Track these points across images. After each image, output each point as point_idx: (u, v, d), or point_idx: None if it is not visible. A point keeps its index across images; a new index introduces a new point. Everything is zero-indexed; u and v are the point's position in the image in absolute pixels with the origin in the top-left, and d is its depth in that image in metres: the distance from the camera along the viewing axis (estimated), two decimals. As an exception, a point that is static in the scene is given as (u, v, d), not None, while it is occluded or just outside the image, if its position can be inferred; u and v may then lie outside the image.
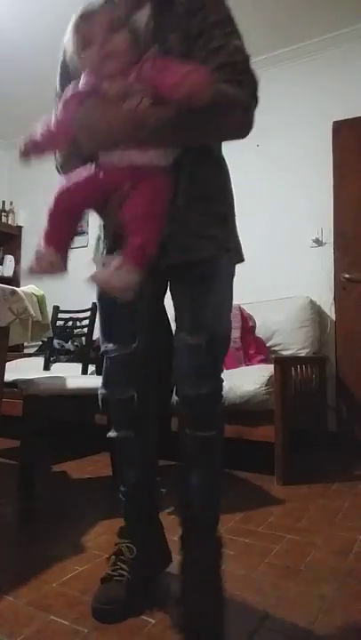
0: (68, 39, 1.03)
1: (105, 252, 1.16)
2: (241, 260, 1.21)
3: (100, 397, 1.22)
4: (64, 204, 1.02)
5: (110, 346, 1.16)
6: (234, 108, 0.99)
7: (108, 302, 1.13)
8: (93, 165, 1.01)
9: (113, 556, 1.15)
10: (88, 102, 0.97)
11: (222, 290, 1.14)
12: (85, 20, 0.99)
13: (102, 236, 1.19)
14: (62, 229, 1.02)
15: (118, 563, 1.13)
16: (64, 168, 1.14)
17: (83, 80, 1.00)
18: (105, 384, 1.20)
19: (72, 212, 1.03)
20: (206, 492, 1.15)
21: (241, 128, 1.02)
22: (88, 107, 0.97)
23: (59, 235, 1.01)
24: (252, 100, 1.02)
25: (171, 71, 0.92)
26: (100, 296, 1.18)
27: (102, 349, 1.19)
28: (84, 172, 1.01)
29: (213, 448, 1.14)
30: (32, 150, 1.01)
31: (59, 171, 1.17)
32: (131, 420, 1.18)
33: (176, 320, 1.14)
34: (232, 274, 1.18)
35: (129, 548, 1.15)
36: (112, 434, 1.21)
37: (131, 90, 0.95)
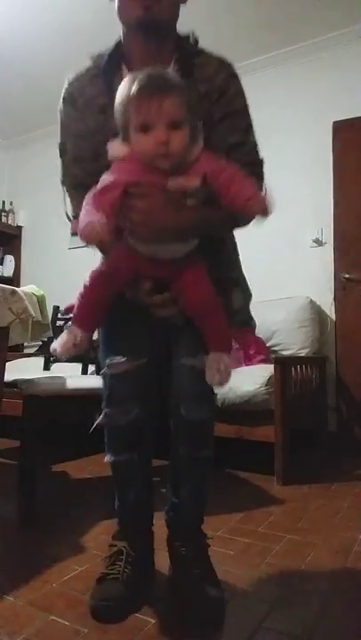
0: (120, 96, 0.96)
1: None
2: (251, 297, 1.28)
3: (103, 416, 1.15)
4: (102, 291, 1.03)
5: (118, 359, 1.09)
6: None
7: (124, 312, 1.09)
8: (122, 257, 1.03)
9: (111, 557, 1.15)
10: (152, 198, 0.95)
11: None
12: (146, 97, 0.92)
13: None
14: (96, 313, 1.05)
15: (118, 562, 1.13)
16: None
17: (130, 167, 0.96)
18: (108, 404, 1.13)
19: (108, 298, 1.04)
20: (195, 500, 1.18)
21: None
22: (154, 203, 0.95)
23: (93, 318, 1.05)
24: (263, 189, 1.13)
25: (243, 185, 0.96)
26: (115, 305, 1.09)
27: (106, 364, 1.12)
28: (121, 259, 1.02)
29: (205, 465, 1.16)
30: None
31: (69, 218, 1.18)
32: (134, 443, 1.14)
33: (175, 341, 1.13)
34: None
35: (131, 547, 1.15)
36: (109, 458, 1.15)
37: (194, 193, 0.96)
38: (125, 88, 0.94)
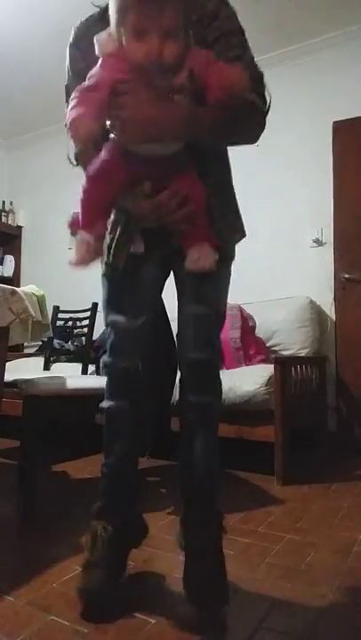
0: (109, 9, 0.95)
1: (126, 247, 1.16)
2: (244, 235, 1.27)
3: (102, 365, 1.26)
4: (101, 193, 1.02)
5: (119, 317, 1.19)
6: (255, 114, 1.09)
7: (126, 274, 1.15)
8: (113, 154, 1.00)
9: (90, 540, 1.17)
10: (140, 94, 0.93)
11: (224, 273, 1.22)
12: (141, 3, 0.89)
13: (120, 231, 1.17)
14: (101, 213, 1.04)
15: (96, 545, 1.15)
16: (82, 156, 1.12)
17: (117, 65, 0.94)
18: (111, 354, 1.22)
19: (108, 198, 1.04)
20: (208, 457, 1.20)
21: (258, 132, 1.13)
22: (141, 99, 0.94)
23: (99, 218, 1.03)
24: (268, 108, 1.12)
25: (225, 69, 0.95)
26: (112, 272, 1.18)
27: (109, 321, 1.21)
28: (112, 161, 1.00)
29: (214, 413, 1.21)
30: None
31: (71, 162, 1.17)
32: (128, 390, 1.22)
33: (180, 296, 1.21)
34: (232, 257, 1.25)
35: (104, 527, 1.17)
36: (105, 404, 1.23)
37: (181, 87, 0.94)
38: None
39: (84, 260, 1.02)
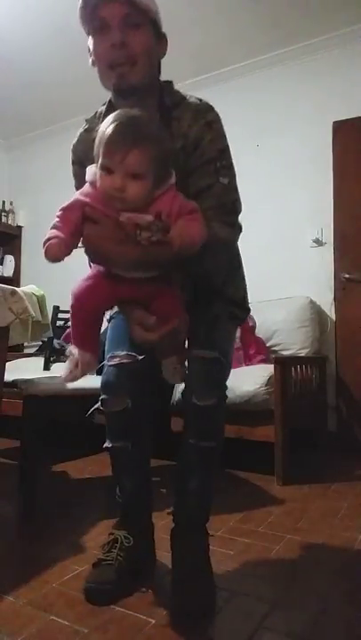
0: (99, 135, 1.00)
1: None
2: (248, 311, 1.38)
3: (101, 402, 1.24)
4: (89, 308, 1.07)
5: (121, 351, 1.19)
6: (224, 248, 1.15)
7: (123, 321, 1.19)
8: (97, 274, 1.07)
9: (108, 544, 1.22)
10: (106, 227, 1.00)
11: (233, 328, 1.32)
12: (114, 144, 0.96)
13: None
14: (91, 331, 1.09)
15: (113, 550, 1.19)
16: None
17: (94, 193, 1.01)
18: (105, 391, 1.22)
19: (98, 314, 1.10)
20: (203, 494, 1.22)
21: (229, 257, 1.21)
22: (105, 233, 1.00)
23: (89, 337, 1.09)
24: (238, 233, 1.18)
25: (188, 225, 0.99)
26: (118, 313, 1.25)
27: (110, 355, 1.21)
28: (97, 281, 1.06)
29: (213, 457, 1.21)
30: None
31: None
32: (126, 431, 1.22)
33: (188, 340, 1.19)
34: (242, 319, 1.35)
35: (126, 537, 1.21)
36: (107, 444, 1.25)
37: (148, 226, 0.98)
38: (104, 126, 0.99)
39: (73, 376, 1.08)
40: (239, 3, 2.75)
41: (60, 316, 3.18)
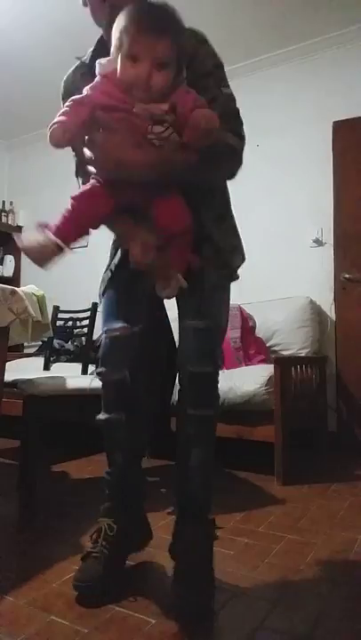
0: (117, 27, 0.98)
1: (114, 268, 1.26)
2: (244, 259, 1.30)
3: (96, 375, 1.26)
4: (87, 216, 1.04)
5: (116, 324, 1.20)
6: (232, 155, 1.13)
7: (122, 287, 1.23)
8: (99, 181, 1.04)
9: (95, 534, 1.22)
10: (115, 132, 0.98)
11: (225, 292, 1.28)
12: (143, 32, 0.94)
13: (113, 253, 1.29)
14: (76, 231, 1.05)
15: (99, 540, 1.20)
16: (78, 175, 1.21)
17: (108, 87, 0.99)
18: (102, 364, 1.23)
19: (91, 222, 1.06)
20: (204, 470, 1.21)
21: (235, 169, 1.15)
22: (115, 139, 0.98)
23: (71, 234, 1.03)
24: (243, 143, 1.15)
25: (201, 111, 0.97)
26: (115, 281, 1.25)
27: (105, 328, 1.23)
28: (99, 187, 1.04)
29: (211, 426, 1.22)
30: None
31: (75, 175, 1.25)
32: (121, 403, 1.23)
33: (180, 310, 1.22)
34: (235, 279, 1.28)
35: (109, 526, 1.21)
36: (102, 416, 1.24)
37: (161, 118, 0.97)
38: (129, 14, 0.96)
39: (39, 260, 1.01)
40: (239, 3, 2.75)
41: (60, 316, 3.18)
